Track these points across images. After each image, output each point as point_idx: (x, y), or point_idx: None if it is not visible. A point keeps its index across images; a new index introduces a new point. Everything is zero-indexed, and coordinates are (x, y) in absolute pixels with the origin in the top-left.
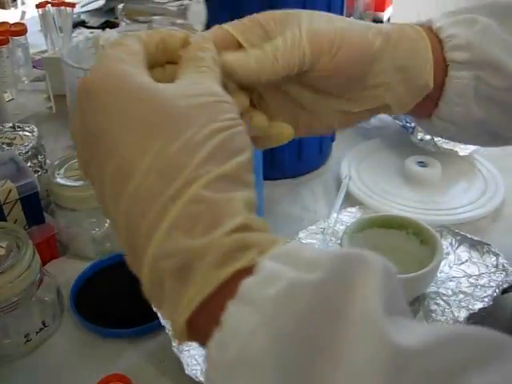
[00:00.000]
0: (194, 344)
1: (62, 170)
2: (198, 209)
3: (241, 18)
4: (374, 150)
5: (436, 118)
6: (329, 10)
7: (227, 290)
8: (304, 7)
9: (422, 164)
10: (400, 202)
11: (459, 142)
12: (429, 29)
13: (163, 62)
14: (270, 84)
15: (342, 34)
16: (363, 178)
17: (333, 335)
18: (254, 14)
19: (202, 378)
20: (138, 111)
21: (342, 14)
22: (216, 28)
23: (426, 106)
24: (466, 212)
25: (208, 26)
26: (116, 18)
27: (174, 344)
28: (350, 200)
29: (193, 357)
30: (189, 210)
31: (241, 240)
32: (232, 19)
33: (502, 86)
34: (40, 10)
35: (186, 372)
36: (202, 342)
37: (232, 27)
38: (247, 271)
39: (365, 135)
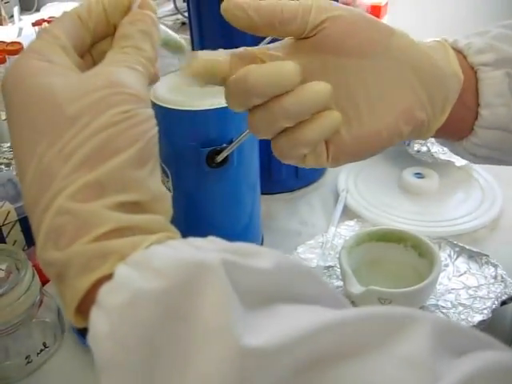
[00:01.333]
0: None
1: None
2: (62, 221)
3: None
4: (370, 162)
5: (480, 129)
6: None
7: (92, 297)
8: None
9: (419, 175)
10: (398, 214)
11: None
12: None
13: (112, 32)
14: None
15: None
16: (361, 191)
17: (178, 342)
18: None
19: None
20: (30, 114)
21: None
22: None
23: (466, 120)
24: (464, 223)
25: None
26: None
27: None
28: (348, 213)
29: None
30: (54, 222)
31: (100, 248)
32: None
33: None
34: (36, 27)
35: None
36: None
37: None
38: (107, 278)
39: None
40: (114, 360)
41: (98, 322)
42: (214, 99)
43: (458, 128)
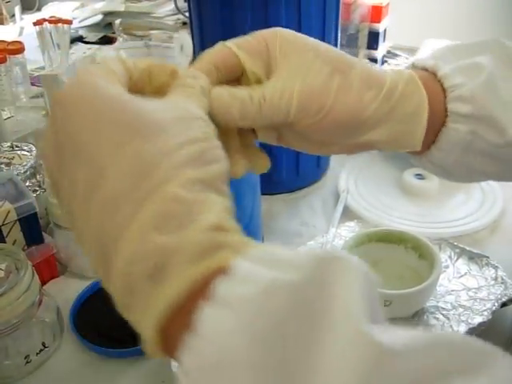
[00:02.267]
0: None
1: None
2: (172, 207)
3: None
4: (371, 163)
5: (426, 160)
6: (323, 22)
7: (200, 291)
8: (299, 23)
9: (420, 176)
10: (398, 215)
11: (449, 180)
12: (433, 75)
13: (147, 92)
14: None
15: (336, 99)
16: (361, 192)
17: (312, 336)
18: (262, 31)
19: None
20: (111, 118)
21: (336, 26)
22: (220, 46)
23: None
24: (465, 224)
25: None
26: (113, 33)
27: (173, 364)
28: (349, 214)
29: None
30: (164, 207)
31: (215, 238)
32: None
33: (497, 142)
34: (37, 27)
35: None
36: (172, 352)
37: (237, 46)
38: (221, 271)
39: None
40: (247, 355)
41: (219, 318)
42: None
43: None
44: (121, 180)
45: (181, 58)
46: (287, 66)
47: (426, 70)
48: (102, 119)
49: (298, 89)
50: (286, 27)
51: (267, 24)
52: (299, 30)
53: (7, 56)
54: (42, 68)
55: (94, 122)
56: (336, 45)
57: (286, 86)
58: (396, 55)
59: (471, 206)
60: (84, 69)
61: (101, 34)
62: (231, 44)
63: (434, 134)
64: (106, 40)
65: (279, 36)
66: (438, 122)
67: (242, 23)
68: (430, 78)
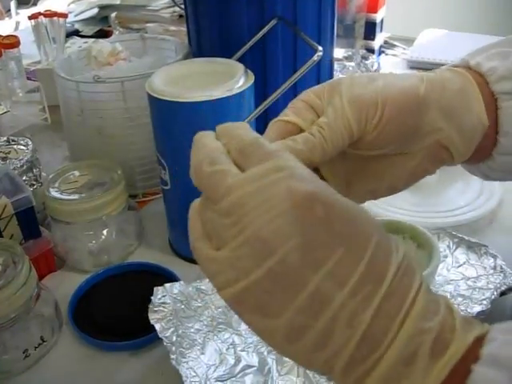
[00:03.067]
0: (193, 355)
1: (56, 184)
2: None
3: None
4: None
5: (498, 155)
6: (319, 14)
7: (469, 354)
8: (295, 14)
9: None
10: (397, 205)
11: None
12: (467, 67)
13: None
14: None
15: (384, 92)
16: None
17: None
18: (303, 94)
19: None
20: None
21: (332, 17)
22: (274, 123)
23: (485, 147)
24: (463, 214)
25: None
26: (109, 27)
27: (172, 356)
28: None
29: (191, 369)
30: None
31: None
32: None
33: None
34: (32, 21)
35: None
36: None
37: (287, 116)
38: (481, 339)
39: None
40: None
41: (490, 376)
42: (210, 91)
43: (476, 155)
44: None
45: (176, 54)
46: (331, 99)
47: (457, 66)
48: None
49: (347, 100)
50: (282, 13)
51: (263, 16)
52: (295, 21)
53: (2, 50)
54: (38, 62)
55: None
56: (332, 35)
57: (336, 105)
58: (393, 45)
59: (470, 195)
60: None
61: (97, 28)
62: (280, 117)
63: (493, 124)
64: (102, 33)
65: (315, 89)
66: (491, 109)
67: (237, 16)
68: (466, 69)
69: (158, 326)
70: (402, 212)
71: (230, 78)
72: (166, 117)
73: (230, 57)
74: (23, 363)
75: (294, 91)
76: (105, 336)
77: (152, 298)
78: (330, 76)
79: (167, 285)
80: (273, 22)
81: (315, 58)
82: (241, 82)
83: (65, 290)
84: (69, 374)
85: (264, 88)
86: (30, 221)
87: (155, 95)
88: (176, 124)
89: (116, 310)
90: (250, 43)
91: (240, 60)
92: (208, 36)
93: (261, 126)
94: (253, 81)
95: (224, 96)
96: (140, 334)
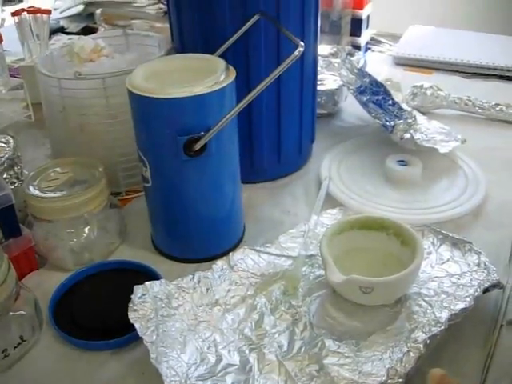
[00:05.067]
0: (173, 354)
1: (37, 181)
2: None
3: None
4: (353, 150)
5: None
6: (302, 10)
7: None
8: (278, 9)
9: (403, 163)
10: (381, 202)
11: None
12: None
13: None
14: None
15: None
16: (344, 179)
17: None
18: None
19: None
20: None
21: (316, 11)
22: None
23: None
24: (448, 210)
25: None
26: (95, 23)
27: (152, 355)
28: (331, 201)
29: (172, 368)
30: None
31: None
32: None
33: None
34: (16, 17)
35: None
36: None
37: None
38: None
39: (344, 135)
40: None
41: None
42: (190, 87)
43: None
44: None
45: (159, 50)
46: None
47: None
48: None
49: None
50: (265, 8)
51: (246, 12)
52: (278, 17)
53: None
54: (22, 60)
55: None
56: (316, 31)
57: None
58: (380, 42)
59: (454, 192)
60: None
61: (82, 25)
62: None
63: None
64: (88, 30)
65: None
66: None
67: (220, 11)
68: None
69: (137, 325)
70: (387, 209)
71: (212, 74)
72: (146, 113)
73: (212, 52)
74: (2, 363)
75: (278, 85)
76: (86, 335)
77: (132, 296)
78: (314, 72)
79: (147, 283)
80: (255, 18)
81: (296, 53)
82: (222, 78)
83: (46, 288)
84: (49, 373)
85: (247, 83)
86: (9, 219)
87: (135, 91)
88: (156, 120)
89: (97, 309)
90: (233, 39)
91: (223, 55)
92: (190, 32)
93: (244, 118)
94: (234, 76)
95: (205, 92)
96: (121, 333)
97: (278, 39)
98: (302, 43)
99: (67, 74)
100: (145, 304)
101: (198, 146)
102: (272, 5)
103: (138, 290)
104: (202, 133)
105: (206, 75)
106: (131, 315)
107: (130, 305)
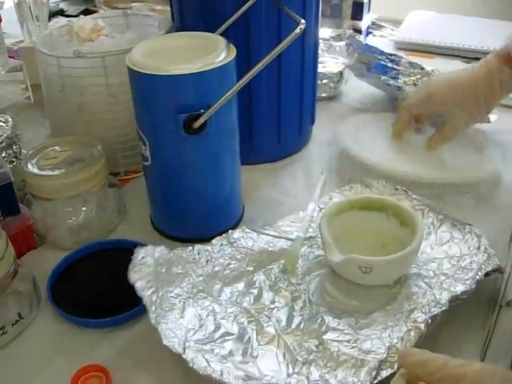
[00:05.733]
0: (172, 318)
1: (35, 160)
2: None
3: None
4: (367, 123)
5: None
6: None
7: None
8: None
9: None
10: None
11: None
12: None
13: None
14: None
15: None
16: (362, 143)
17: None
18: None
19: (178, 350)
20: None
21: (317, 16)
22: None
23: None
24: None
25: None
26: (95, 6)
27: (151, 315)
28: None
29: (170, 330)
30: None
31: None
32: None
33: None
34: None
35: (164, 343)
36: None
37: None
38: None
39: (345, 118)
40: None
41: None
42: (190, 64)
43: None
44: None
45: (159, 30)
46: None
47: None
48: None
49: None
50: None
51: None
52: None
53: None
54: (22, 42)
55: None
56: (317, 12)
57: None
58: (381, 27)
59: (471, 154)
60: None
61: (82, 8)
62: None
63: None
64: (88, 13)
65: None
66: None
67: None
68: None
69: (138, 284)
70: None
71: (212, 52)
72: (145, 90)
73: (213, 31)
74: (0, 340)
75: (278, 65)
76: (83, 313)
77: (133, 258)
78: (315, 54)
79: (149, 247)
80: None
81: (297, 30)
82: (222, 56)
83: (44, 267)
84: (47, 350)
85: (248, 62)
86: (8, 197)
87: (135, 68)
88: (156, 97)
89: (95, 287)
90: (234, 18)
91: (223, 34)
92: (191, 11)
93: (244, 98)
94: (235, 54)
95: (205, 69)
96: (119, 312)
97: (279, 18)
98: (303, 21)
99: (66, 53)
100: (146, 266)
101: (197, 124)
102: None
103: (140, 251)
104: (202, 110)
105: (206, 53)
106: (132, 276)
107: (131, 266)
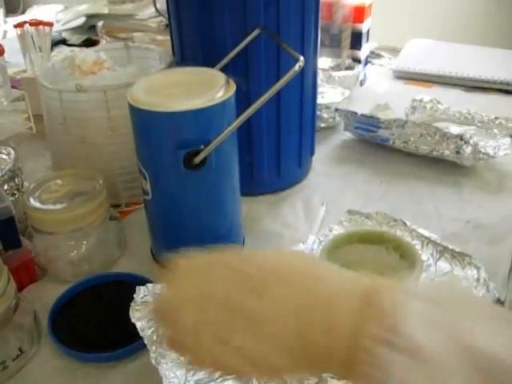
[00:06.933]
0: (172, 357)
1: (37, 193)
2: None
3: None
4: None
5: None
6: (303, 22)
7: None
8: (278, 23)
9: None
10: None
11: None
12: None
13: None
14: None
15: None
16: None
17: None
18: None
19: None
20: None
21: (316, 26)
22: None
23: None
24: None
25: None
26: (97, 36)
27: (152, 355)
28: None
29: (171, 370)
30: None
31: None
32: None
33: None
34: (18, 29)
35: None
36: None
37: None
38: None
39: (345, 147)
40: None
41: None
42: (190, 101)
43: None
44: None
45: (160, 63)
46: None
47: None
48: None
49: None
50: (265, 23)
51: (246, 26)
52: (278, 31)
53: None
54: (24, 71)
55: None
56: (316, 45)
57: None
58: (379, 55)
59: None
60: None
61: (84, 37)
62: None
63: None
64: (90, 42)
65: None
66: None
67: (220, 25)
68: None
69: (138, 324)
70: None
71: (212, 88)
72: (146, 126)
73: (213, 66)
74: (1, 375)
75: (278, 99)
76: (85, 347)
77: (134, 296)
78: (314, 85)
79: (149, 284)
80: (256, 32)
81: (296, 67)
82: (222, 92)
83: (46, 300)
84: None
85: (247, 97)
86: (10, 231)
87: (136, 105)
88: (156, 134)
89: (96, 321)
90: (233, 53)
91: (223, 69)
92: (191, 45)
93: (244, 130)
94: (234, 90)
95: (205, 106)
96: (120, 346)
97: (278, 53)
98: (301, 58)
99: (68, 87)
100: (147, 305)
101: (197, 160)
102: (272, 19)
103: (140, 290)
104: (202, 146)
105: (206, 89)
106: (133, 315)
107: (132, 304)
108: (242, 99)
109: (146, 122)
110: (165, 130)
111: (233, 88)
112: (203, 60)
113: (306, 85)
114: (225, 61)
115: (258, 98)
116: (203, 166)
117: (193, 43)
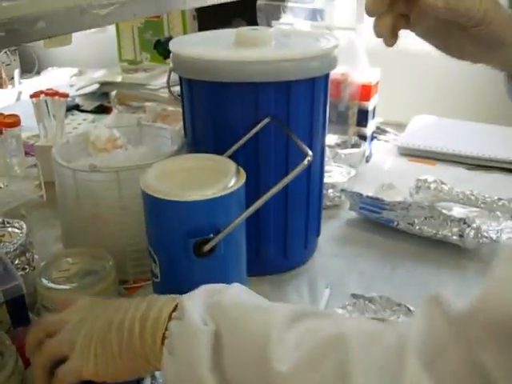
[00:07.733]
0: None
1: (48, 272)
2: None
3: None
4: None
5: None
6: (311, 111)
7: None
8: (288, 106)
9: None
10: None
11: None
12: None
13: None
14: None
15: None
16: None
17: None
18: None
19: None
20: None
21: (324, 116)
22: None
23: None
24: None
25: None
26: (109, 103)
27: None
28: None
29: None
30: None
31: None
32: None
33: None
34: (34, 99)
35: None
36: None
37: None
38: None
39: (351, 226)
40: None
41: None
42: (202, 190)
43: None
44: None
45: (172, 143)
46: None
47: None
48: None
49: None
50: (275, 112)
51: (257, 114)
52: (287, 120)
53: (3, 129)
54: (37, 136)
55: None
56: (324, 124)
57: None
58: (385, 131)
59: None
60: None
61: (97, 103)
62: None
63: None
64: (102, 109)
65: None
66: None
67: (232, 112)
68: None
69: None
70: None
71: (222, 176)
72: (157, 213)
73: (223, 151)
74: None
75: (286, 187)
76: None
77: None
78: (321, 174)
79: (157, 373)
80: (266, 121)
81: (305, 162)
82: (232, 182)
83: None
84: None
85: (256, 185)
86: (19, 308)
87: (148, 192)
88: (167, 221)
89: None
90: (244, 139)
91: (233, 155)
92: (203, 130)
93: (251, 225)
94: (244, 180)
95: (216, 196)
96: None
97: (287, 142)
98: (310, 152)
99: (81, 166)
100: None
101: (207, 248)
102: (282, 108)
103: (147, 379)
104: (212, 235)
105: (217, 177)
106: None
107: None
108: (251, 187)
109: (157, 209)
110: (176, 217)
111: (243, 177)
112: (214, 144)
113: (313, 171)
114: (235, 147)
115: (267, 186)
116: (213, 253)
117: (205, 127)
